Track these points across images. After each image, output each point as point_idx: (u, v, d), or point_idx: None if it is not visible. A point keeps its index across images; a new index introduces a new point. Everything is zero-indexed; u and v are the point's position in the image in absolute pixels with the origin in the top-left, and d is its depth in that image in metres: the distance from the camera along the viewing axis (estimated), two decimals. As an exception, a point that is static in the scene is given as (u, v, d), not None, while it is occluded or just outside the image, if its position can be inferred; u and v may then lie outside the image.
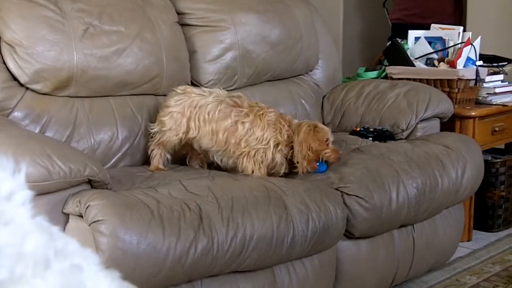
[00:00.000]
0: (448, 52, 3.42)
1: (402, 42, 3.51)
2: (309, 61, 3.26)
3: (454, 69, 3.26)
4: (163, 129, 2.49)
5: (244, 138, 2.41)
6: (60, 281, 0.58)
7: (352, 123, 3.14)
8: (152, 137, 2.55)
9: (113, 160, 2.55)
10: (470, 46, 3.33)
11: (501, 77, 3.52)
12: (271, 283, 2.20)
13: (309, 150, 2.40)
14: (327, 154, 2.43)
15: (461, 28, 3.50)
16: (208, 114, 2.43)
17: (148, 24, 2.69)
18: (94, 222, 1.86)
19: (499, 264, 3.06)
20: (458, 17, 4.31)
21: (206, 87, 2.83)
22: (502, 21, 4.00)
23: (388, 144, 2.83)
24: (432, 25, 3.58)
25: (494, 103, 3.40)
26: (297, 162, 2.42)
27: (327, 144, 2.44)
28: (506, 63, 3.57)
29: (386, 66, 3.52)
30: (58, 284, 0.58)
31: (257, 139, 2.41)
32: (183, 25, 2.89)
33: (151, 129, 2.55)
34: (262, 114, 2.44)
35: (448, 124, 3.16)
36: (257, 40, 3.02)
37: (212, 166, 2.58)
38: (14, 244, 0.58)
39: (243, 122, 2.42)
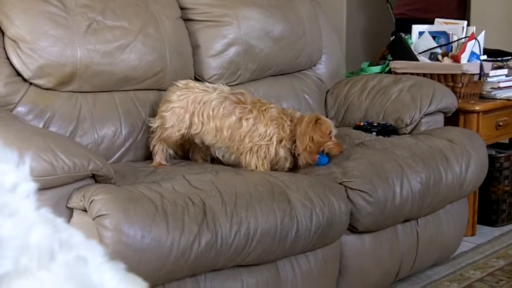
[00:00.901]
0: (452, 46, 3.41)
1: (406, 36, 3.51)
2: (312, 56, 3.25)
3: (458, 64, 3.26)
4: (165, 125, 2.48)
5: (248, 134, 2.41)
6: (65, 272, 0.58)
7: (356, 117, 3.14)
8: (153, 132, 2.54)
9: (116, 155, 2.56)
10: (474, 40, 3.32)
11: (505, 71, 3.51)
12: (275, 277, 2.21)
13: (311, 141, 2.40)
14: (329, 147, 2.43)
15: (465, 22, 3.50)
16: (213, 110, 2.43)
17: (151, 19, 2.69)
18: (98, 216, 1.86)
19: (503, 258, 3.06)
20: (462, 11, 4.30)
21: (209, 82, 2.83)
22: (506, 16, 3.99)
23: (392, 138, 2.82)
24: (436, 19, 3.57)
25: (498, 97, 3.39)
26: (298, 154, 2.42)
27: (330, 137, 2.44)
28: (510, 57, 3.56)
29: (389, 60, 3.51)
30: (63, 275, 0.58)
31: (260, 135, 2.41)
32: (186, 20, 2.88)
33: (152, 124, 2.54)
34: (265, 110, 2.43)
35: (452, 119, 3.15)
36: (261, 35, 3.02)
37: (216, 160, 2.58)
38: (19, 236, 0.58)
39: (247, 119, 2.42)
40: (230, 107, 2.43)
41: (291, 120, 2.45)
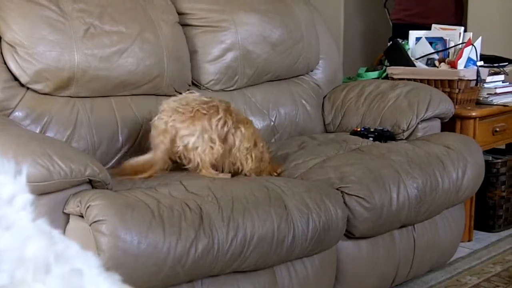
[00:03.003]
0: (449, 52, 3.42)
1: (403, 42, 3.51)
2: (309, 62, 3.26)
3: (455, 70, 3.26)
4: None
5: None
6: (60, 285, 0.58)
7: (353, 123, 3.14)
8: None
9: (113, 160, 2.55)
10: (471, 46, 3.33)
11: (501, 77, 3.52)
12: (271, 283, 2.21)
13: None
14: None
15: (462, 28, 3.50)
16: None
17: (149, 24, 2.69)
18: (95, 222, 1.86)
19: (500, 264, 3.06)
20: (459, 17, 4.31)
21: (206, 87, 2.85)
22: (503, 22, 4.00)
23: (389, 144, 2.83)
24: (433, 25, 3.57)
25: (495, 103, 3.40)
26: None
27: None
28: (506, 63, 3.56)
29: (387, 66, 3.52)
30: (59, 288, 0.58)
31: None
32: (184, 25, 2.89)
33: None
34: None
35: (449, 125, 3.16)
36: (258, 40, 3.02)
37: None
38: (15, 249, 0.58)
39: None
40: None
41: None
